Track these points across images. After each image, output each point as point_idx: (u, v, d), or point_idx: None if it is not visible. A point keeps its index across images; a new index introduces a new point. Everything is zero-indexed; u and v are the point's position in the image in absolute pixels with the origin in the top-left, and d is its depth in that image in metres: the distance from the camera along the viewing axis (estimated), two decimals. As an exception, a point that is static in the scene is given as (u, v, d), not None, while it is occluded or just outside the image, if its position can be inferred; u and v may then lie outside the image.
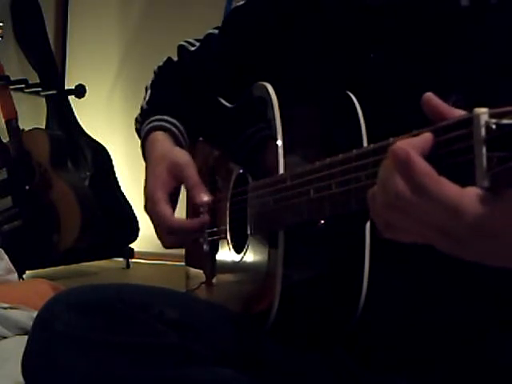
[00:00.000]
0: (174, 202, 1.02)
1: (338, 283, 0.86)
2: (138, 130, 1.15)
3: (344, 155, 0.67)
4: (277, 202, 0.84)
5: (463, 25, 0.86)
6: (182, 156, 1.03)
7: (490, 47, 0.84)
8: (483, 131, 0.49)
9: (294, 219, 0.81)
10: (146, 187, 1.03)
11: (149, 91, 1.17)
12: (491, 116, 0.49)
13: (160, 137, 1.07)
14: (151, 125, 1.09)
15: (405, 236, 0.60)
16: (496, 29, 0.84)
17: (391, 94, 0.89)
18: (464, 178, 0.51)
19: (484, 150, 0.49)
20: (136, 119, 1.16)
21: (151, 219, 1.03)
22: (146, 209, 1.03)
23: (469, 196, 0.52)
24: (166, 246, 1.04)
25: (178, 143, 1.08)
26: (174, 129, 1.08)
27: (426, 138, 0.56)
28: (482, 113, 0.49)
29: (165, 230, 1.01)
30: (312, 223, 0.82)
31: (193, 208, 1.05)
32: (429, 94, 0.58)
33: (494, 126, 0.48)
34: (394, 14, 0.90)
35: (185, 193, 1.05)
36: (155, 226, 1.02)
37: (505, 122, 0.48)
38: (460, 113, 0.55)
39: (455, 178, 0.52)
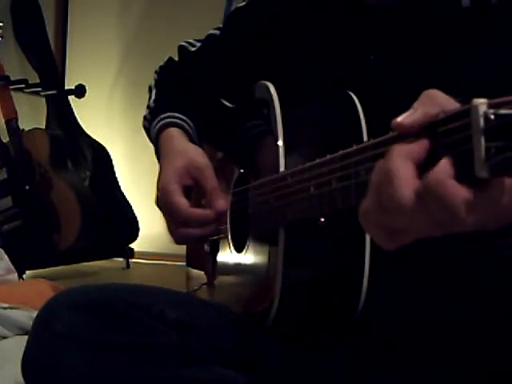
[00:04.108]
0: (187, 199, 1.01)
1: (338, 281, 0.86)
2: (146, 128, 1.15)
3: (343, 151, 0.68)
4: (277, 200, 0.84)
5: (464, 25, 0.86)
6: (200, 157, 1.02)
7: (491, 48, 0.84)
8: (482, 121, 0.49)
9: (295, 217, 0.80)
10: (159, 181, 1.02)
11: (154, 90, 1.17)
12: (490, 106, 0.49)
13: (175, 133, 1.07)
14: (164, 121, 1.09)
15: (404, 237, 0.60)
16: (497, 29, 0.84)
17: (391, 95, 0.89)
18: (463, 169, 0.51)
19: (482, 140, 0.49)
20: (144, 117, 1.15)
21: (164, 212, 1.01)
22: (158, 203, 1.02)
23: (462, 199, 0.52)
24: (177, 242, 1.03)
25: (190, 139, 1.08)
26: (185, 125, 1.09)
27: (422, 144, 0.57)
28: (481, 103, 0.49)
29: (178, 222, 1.00)
30: (312, 221, 0.82)
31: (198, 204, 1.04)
32: (395, 122, 0.58)
33: (492, 116, 0.49)
34: (394, 15, 0.90)
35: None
36: (168, 220, 1.01)
37: (503, 112, 0.48)
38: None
39: (454, 169, 0.52)
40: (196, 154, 1.03)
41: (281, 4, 1.04)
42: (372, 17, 0.91)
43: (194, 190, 1.02)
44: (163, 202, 1.00)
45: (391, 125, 0.58)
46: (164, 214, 1.01)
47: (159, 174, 1.03)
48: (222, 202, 0.98)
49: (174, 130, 1.07)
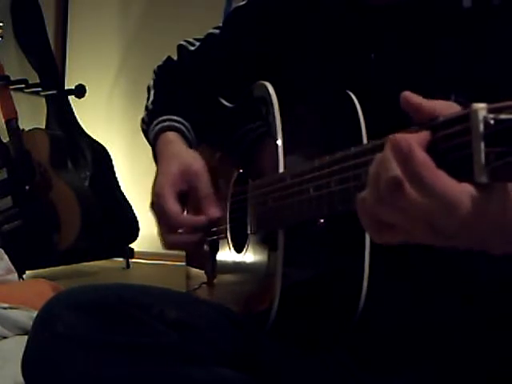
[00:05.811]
0: (181, 204, 1.01)
1: (338, 283, 0.86)
2: (144, 131, 1.14)
3: (342, 153, 0.68)
4: (276, 201, 0.84)
5: (465, 26, 0.86)
6: (195, 162, 1.02)
7: (492, 48, 0.84)
8: (481, 126, 0.49)
9: (294, 218, 0.81)
10: (154, 185, 1.02)
11: (152, 91, 1.17)
12: (489, 111, 0.49)
13: (172, 137, 1.07)
14: (161, 125, 1.08)
15: (392, 235, 0.59)
16: (498, 30, 0.84)
17: (391, 94, 0.88)
18: (462, 174, 0.51)
19: (482, 145, 0.49)
20: (142, 119, 1.15)
21: (156, 217, 1.02)
22: (153, 206, 1.02)
23: (464, 192, 0.52)
24: (167, 247, 1.03)
25: (188, 143, 1.08)
26: (183, 128, 1.08)
27: (423, 134, 0.56)
28: (480, 108, 0.49)
29: (169, 228, 1.00)
30: (312, 222, 0.82)
31: (192, 209, 1.04)
32: (407, 94, 0.58)
33: (492, 121, 0.48)
34: (395, 14, 0.90)
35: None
36: (159, 224, 1.02)
37: (503, 117, 0.48)
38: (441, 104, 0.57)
39: (454, 174, 0.52)
40: (192, 160, 1.03)
41: (280, 3, 1.04)
42: (373, 16, 0.91)
43: (190, 195, 1.02)
44: (156, 206, 1.01)
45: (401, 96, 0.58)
46: (157, 219, 1.02)
47: (155, 178, 1.03)
48: (215, 210, 0.99)
49: (171, 134, 1.07)
